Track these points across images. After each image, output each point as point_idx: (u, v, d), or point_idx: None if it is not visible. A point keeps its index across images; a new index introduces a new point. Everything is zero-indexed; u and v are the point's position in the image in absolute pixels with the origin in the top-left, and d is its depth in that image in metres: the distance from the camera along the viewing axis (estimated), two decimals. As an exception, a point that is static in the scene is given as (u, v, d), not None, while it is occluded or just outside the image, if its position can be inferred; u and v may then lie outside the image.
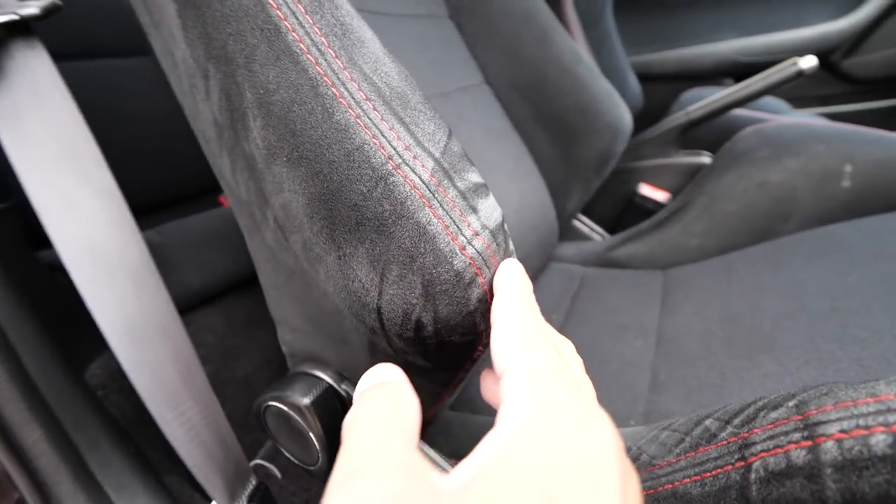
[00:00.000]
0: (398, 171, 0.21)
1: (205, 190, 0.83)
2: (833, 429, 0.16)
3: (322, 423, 0.32)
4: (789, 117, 0.67)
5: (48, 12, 0.32)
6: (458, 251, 0.20)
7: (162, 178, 0.72)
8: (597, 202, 0.78)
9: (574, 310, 0.60)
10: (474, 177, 0.24)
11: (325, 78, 0.21)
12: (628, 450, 0.28)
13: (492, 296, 0.22)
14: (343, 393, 0.34)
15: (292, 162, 0.22)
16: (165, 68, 0.33)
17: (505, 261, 0.23)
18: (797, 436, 0.18)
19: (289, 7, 0.21)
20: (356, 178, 0.20)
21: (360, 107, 0.21)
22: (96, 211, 0.35)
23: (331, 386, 0.33)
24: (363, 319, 0.23)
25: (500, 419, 0.14)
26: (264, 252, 0.32)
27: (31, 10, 0.31)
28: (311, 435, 0.32)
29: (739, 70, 1.30)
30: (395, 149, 0.21)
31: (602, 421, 0.13)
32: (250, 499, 0.38)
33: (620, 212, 0.78)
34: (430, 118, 0.24)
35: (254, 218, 0.30)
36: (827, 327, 0.40)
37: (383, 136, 0.21)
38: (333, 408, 0.33)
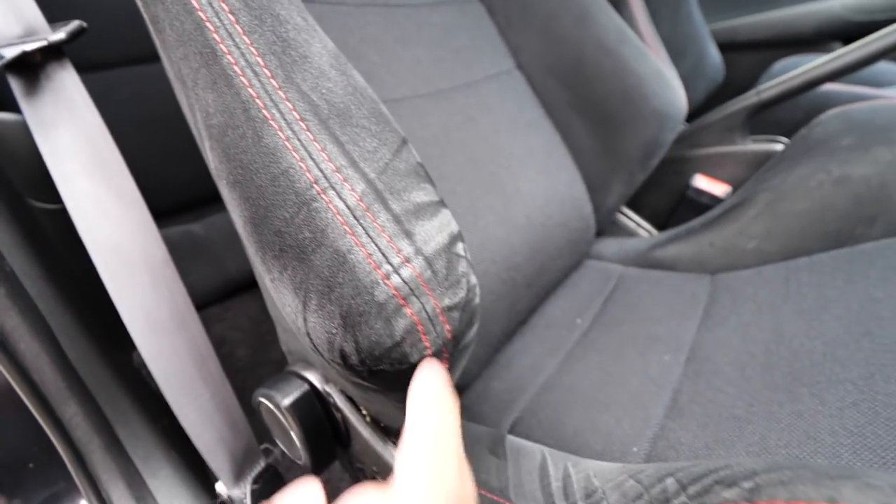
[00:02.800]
0: (322, 196, 0.20)
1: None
2: (778, 531, 0.13)
3: (301, 423, 0.33)
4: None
5: (74, 36, 0.36)
6: (379, 281, 0.19)
7: (201, 173, 0.78)
8: (646, 195, 0.70)
9: (604, 314, 0.56)
10: (420, 196, 0.22)
11: (258, 100, 0.21)
12: (593, 491, 0.25)
13: (423, 325, 0.20)
14: (326, 395, 0.35)
15: (230, 185, 0.22)
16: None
17: (421, 369, 0.19)
18: (741, 528, 0.15)
19: (226, 29, 0.21)
20: (280, 203, 0.20)
21: (291, 128, 0.20)
22: (121, 215, 0.38)
23: (313, 388, 0.34)
24: (302, 340, 0.23)
25: None
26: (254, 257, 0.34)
27: (60, 35, 0.34)
28: (292, 433, 0.33)
29: (851, 32, 1.09)
30: (322, 172, 0.20)
31: None
32: (256, 479, 0.41)
33: (672, 206, 0.70)
34: (373, 134, 0.22)
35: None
36: (893, 362, 0.33)
37: (311, 158, 0.20)
38: (313, 409, 0.34)
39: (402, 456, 0.15)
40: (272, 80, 0.21)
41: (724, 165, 0.65)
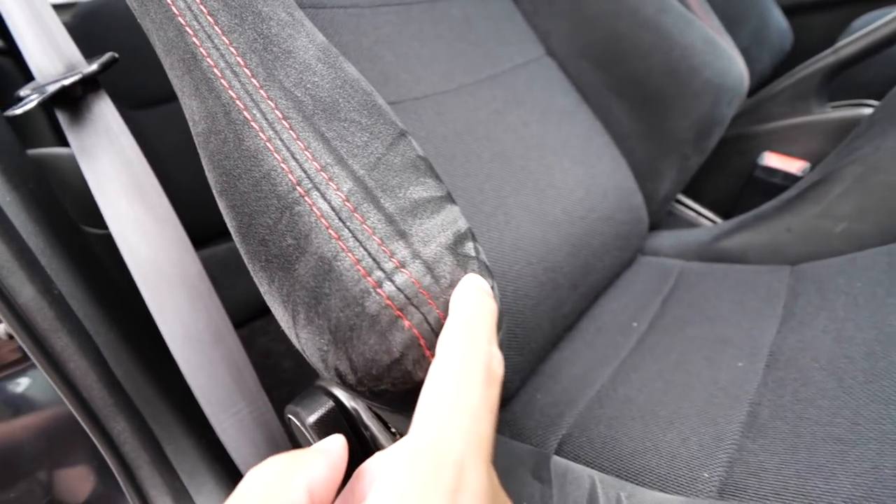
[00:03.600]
0: (305, 198, 0.18)
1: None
2: None
3: (326, 442, 0.31)
4: None
5: (105, 67, 0.37)
6: (370, 289, 0.17)
7: None
8: (706, 180, 0.63)
9: (663, 315, 0.50)
10: (419, 191, 0.20)
11: (238, 102, 0.19)
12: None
13: (425, 339, 0.18)
14: (353, 412, 0.33)
15: (219, 193, 0.21)
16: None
17: (464, 279, 0.19)
18: None
19: (205, 32, 0.20)
20: (263, 209, 0.19)
21: (273, 128, 0.19)
22: (158, 235, 0.39)
23: (339, 404, 0.33)
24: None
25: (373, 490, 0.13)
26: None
27: (93, 67, 0.36)
28: (319, 453, 0.32)
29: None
30: (305, 172, 0.18)
31: None
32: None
33: (738, 191, 0.62)
34: (363, 127, 0.20)
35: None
36: None
37: (294, 158, 0.18)
38: (339, 426, 0.32)
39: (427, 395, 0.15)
40: (253, 80, 0.20)
41: (799, 139, 0.56)
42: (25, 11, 0.38)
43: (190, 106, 0.21)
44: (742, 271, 0.51)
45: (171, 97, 0.87)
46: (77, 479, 0.39)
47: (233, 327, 0.42)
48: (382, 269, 0.17)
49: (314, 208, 0.18)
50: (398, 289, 0.17)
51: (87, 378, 0.36)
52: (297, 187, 0.18)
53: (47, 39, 0.38)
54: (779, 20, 1.06)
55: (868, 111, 0.53)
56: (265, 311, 0.70)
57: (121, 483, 0.38)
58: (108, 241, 0.44)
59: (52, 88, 0.35)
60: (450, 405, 0.14)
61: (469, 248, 0.20)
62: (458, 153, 0.42)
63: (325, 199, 0.18)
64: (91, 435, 0.37)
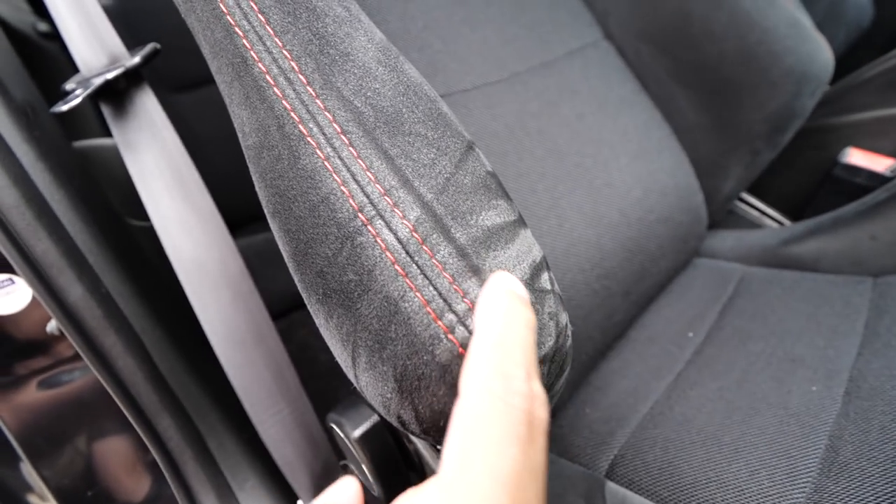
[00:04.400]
0: (369, 227, 0.16)
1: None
2: None
3: (371, 455, 0.30)
4: None
5: (147, 59, 0.36)
6: (441, 335, 0.15)
7: None
8: (772, 175, 0.58)
9: (722, 326, 0.47)
10: (492, 217, 0.17)
11: (293, 114, 0.17)
12: None
13: None
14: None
15: (271, 214, 0.19)
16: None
17: (491, 280, 0.16)
18: None
19: (256, 32, 0.18)
20: (321, 238, 0.17)
21: (332, 144, 0.17)
22: (201, 232, 0.39)
23: (382, 418, 0.31)
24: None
25: None
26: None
27: (136, 60, 0.35)
28: (364, 467, 0.31)
29: None
30: (368, 196, 0.16)
31: None
32: (335, 499, 0.40)
33: (811, 190, 0.56)
34: (430, 142, 0.18)
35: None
36: None
37: (355, 180, 0.16)
38: (384, 440, 0.31)
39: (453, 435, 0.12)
40: (308, 88, 0.18)
41: (889, 133, 0.50)
42: (69, 2, 0.37)
43: (240, 116, 0.19)
44: (815, 281, 0.47)
45: (210, 80, 0.88)
46: (124, 473, 0.40)
47: (273, 324, 0.42)
48: (454, 312, 0.15)
49: (378, 240, 0.16)
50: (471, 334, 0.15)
51: (135, 376, 0.37)
52: (359, 214, 0.16)
53: (91, 31, 0.37)
54: (858, -9, 0.95)
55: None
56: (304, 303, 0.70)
57: (167, 477, 0.39)
58: (152, 233, 0.44)
59: (96, 83, 0.34)
60: (478, 474, 0.11)
61: (545, 280, 0.18)
62: (509, 150, 0.39)
63: (389, 228, 0.16)
64: (138, 430, 0.37)
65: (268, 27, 0.18)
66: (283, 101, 0.17)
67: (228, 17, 0.18)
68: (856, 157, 0.52)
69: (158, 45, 0.38)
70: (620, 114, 0.49)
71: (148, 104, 0.38)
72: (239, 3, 0.18)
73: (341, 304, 0.16)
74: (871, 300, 0.42)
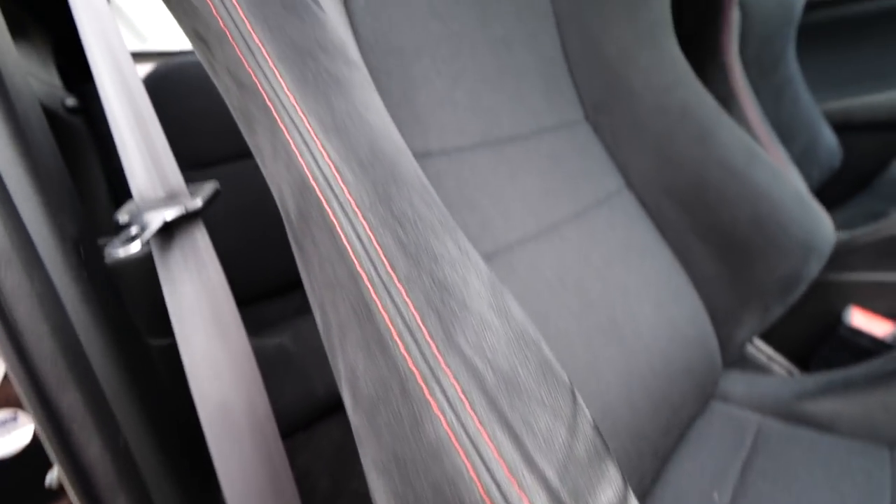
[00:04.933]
0: (498, 520, 0.15)
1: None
2: None
3: None
4: None
5: (209, 203, 0.37)
6: None
7: (278, 265, 0.81)
8: (780, 323, 0.61)
9: (746, 487, 0.46)
10: (608, 493, 0.17)
11: (417, 375, 0.17)
12: None
13: None
14: None
15: (378, 471, 0.18)
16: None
17: None
18: None
19: (384, 284, 0.18)
20: (444, 522, 0.16)
21: (456, 412, 0.17)
22: (232, 375, 0.37)
23: None
24: None
25: None
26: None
27: (197, 203, 0.36)
28: None
29: None
30: (495, 480, 0.16)
31: None
32: None
33: (816, 338, 0.59)
34: (545, 404, 0.18)
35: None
36: None
37: (482, 459, 0.16)
38: None
39: None
40: (431, 343, 0.18)
41: (886, 297, 0.54)
42: (135, 133, 0.38)
43: (353, 357, 0.19)
44: (833, 445, 0.47)
45: (226, 159, 0.91)
46: None
47: (291, 473, 0.39)
48: None
49: (509, 538, 0.15)
50: None
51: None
52: (486, 498, 0.16)
53: (154, 165, 0.38)
54: (828, 138, 1.08)
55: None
56: (309, 422, 0.67)
57: None
58: (170, 354, 0.42)
59: (154, 224, 0.35)
60: None
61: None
62: (551, 310, 0.40)
63: (519, 524, 0.15)
64: None
65: (394, 277, 0.19)
66: (408, 359, 0.18)
67: (355, 261, 0.19)
68: (858, 318, 0.55)
69: (219, 188, 0.38)
70: (643, 261, 0.52)
71: (199, 240, 0.38)
72: (367, 249, 0.19)
73: None
74: (892, 475, 0.43)
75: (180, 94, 0.91)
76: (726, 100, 0.76)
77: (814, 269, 0.51)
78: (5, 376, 0.31)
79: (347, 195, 0.19)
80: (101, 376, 0.33)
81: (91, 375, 0.32)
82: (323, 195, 0.20)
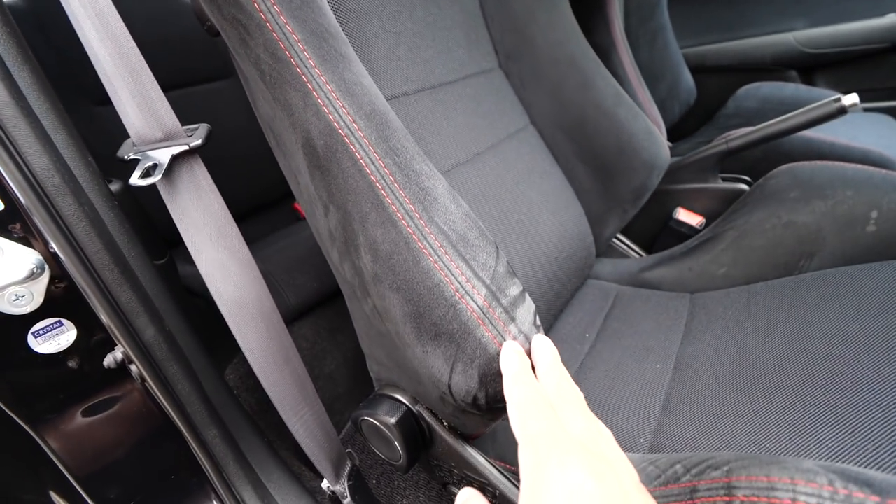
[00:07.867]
0: (462, 300, 0.31)
1: (281, 198, 1.01)
2: (741, 493, 0.26)
3: (404, 435, 0.44)
4: (820, 162, 0.68)
5: (208, 140, 0.45)
6: (496, 347, 0.31)
7: (249, 189, 0.88)
8: (635, 222, 0.84)
9: (606, 329, 0.69)
10: (514, 290, 0.34)
11: (414, 236, 0.32)
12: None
13: None
14: (417, 413, 0.46)
15: (393, 289, 0.33)
16: (283, 167, 0.44)
17: (505, 345, 0.32)
18: (722, 492, 0.27)
19: (390, 187, 0.32)
20: (435, 305, 0.31)
21: (437, 253, 0.32)
22: (240, 276, 0.48)
23: (409, 408, 0.46)
24: (437, 388, 0.34)
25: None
26: (360, 314, 0.45)
27: (198, 141, 0.44)
28: (396, 443, 0.45)
29: (805, 62, 1.25)
30: (459, 283, 0.31)
31: (597, 473, 0.21)
32: (349, 477, 0.53)
33: (657, 232, 0.83)
34: (482, 249, 0.34)
35: (354, 292, 0.42)
36: (818, 373, 0.47)
37: (451, 273, 0.31)
38: (411, 424, 0.45)
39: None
40: (421, 220, 0.32)
41: (700, 200, 0.79)
42: (124, 75, 0.43)
43: (374, 232, 0.32)
44: (659, 296, 0.72)
45: (192, 82, 0.91)
46: (164, 481, 0.47)
47: (294, 345, 0.52)
48: (504, 339, 0.31)
49: (469, 307, 0.31)
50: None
51: (191, 396, 0.44)
52: (457, 293, 0.31)
53: (146, 104, 0.44)
54: (688, 79, 1.32)
55: (743, 186, 0.77)
56: (290, 321, 0.79)
57: (212, 476, 0.47)
58: (170, 266, 0.51)
59: (161, 156, 0.42)
60: (536, 416, 0.28)
61: (538, 319, 0.35)
62: (477, 217, 0.56)
63: (473, 301, 0.31)
64: (190, 441, 0.45)
65: (395, 184, 0.32)
66: (408, 229, 0.32)
67: (372, 177, 0.32)
68: (682, 214, 0.80)
69: (210, 127, 0.46)
70: (543, 181, 0.69)
71: (197, 172, 0.46)
72: (377, 168, 0.32)
73: (448, 340, 0.31)
74: (689, 309, 0.68)
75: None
76: (608, 48, 0.93)
77: (654, 182, 0.72)
78: (51, 279, 0.39)
79: (362, 136, 0.32)
80: (144, 281, 0.42)
81: (137, 280, 0.41)
82: (346, 136, 0.31)
